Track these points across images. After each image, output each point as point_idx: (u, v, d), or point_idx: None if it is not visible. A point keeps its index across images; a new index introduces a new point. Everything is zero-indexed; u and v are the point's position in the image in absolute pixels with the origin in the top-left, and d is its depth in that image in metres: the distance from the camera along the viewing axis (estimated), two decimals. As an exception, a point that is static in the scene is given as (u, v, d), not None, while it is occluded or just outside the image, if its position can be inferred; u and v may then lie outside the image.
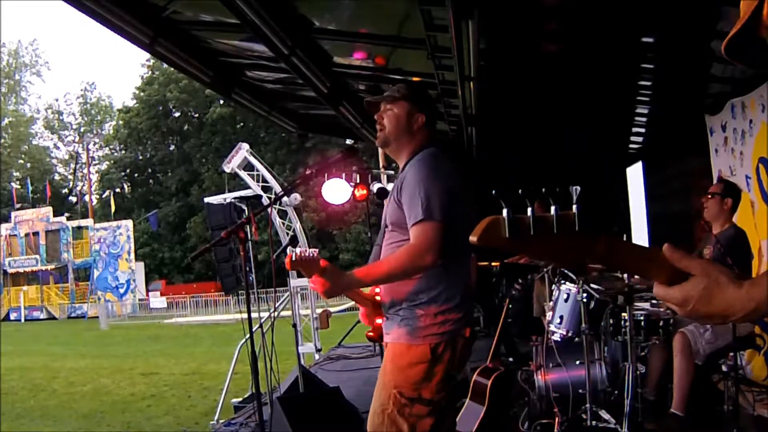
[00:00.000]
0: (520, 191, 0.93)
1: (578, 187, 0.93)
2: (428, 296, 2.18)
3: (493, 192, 0.99)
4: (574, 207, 0.90)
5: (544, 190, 0.91)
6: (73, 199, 48.48)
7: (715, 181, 3.93)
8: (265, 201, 6.54)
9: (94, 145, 49.12)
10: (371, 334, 2.45)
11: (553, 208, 0.89)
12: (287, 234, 7.37)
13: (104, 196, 44.02)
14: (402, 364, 2.19)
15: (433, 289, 2.19)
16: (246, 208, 6.92)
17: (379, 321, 2.38)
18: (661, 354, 3.90)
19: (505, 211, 0.88)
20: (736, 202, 3.82)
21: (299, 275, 7.43)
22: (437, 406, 2.19)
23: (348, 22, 4.46)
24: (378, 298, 2.38)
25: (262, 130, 38.11)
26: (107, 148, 48.41)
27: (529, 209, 0.88)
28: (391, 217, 2.30)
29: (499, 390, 3.86)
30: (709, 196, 3.80)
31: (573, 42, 4.26)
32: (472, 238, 0.90)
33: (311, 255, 2.12)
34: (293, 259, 2.10)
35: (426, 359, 2.16)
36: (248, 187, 7.23)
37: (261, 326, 4.78)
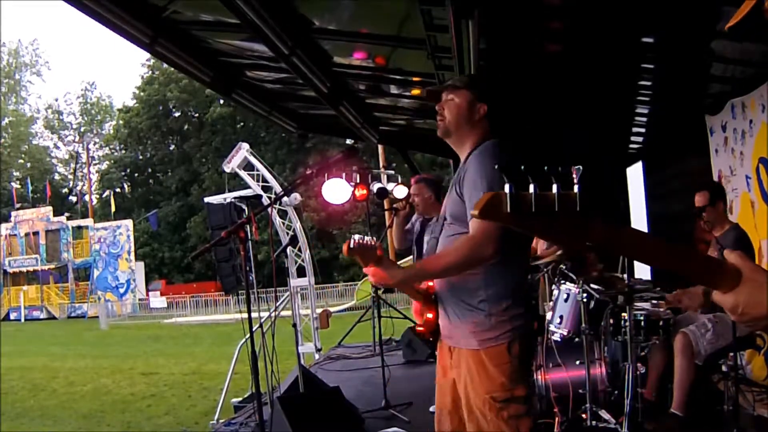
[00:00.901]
0: (522, 167, 0.93)
1: (580, 167, 0.93)
2: (489, 294, 2.12)
3: (496, 166, 0.99)
4: (576, 187, 0.90)
5: (546, 168, 0.90)
6: (73, 198, 48.48)
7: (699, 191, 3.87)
8: (265, 201, 6.53)
9: (94, 144, 49.15)
10: (421, 329, 2.35)
11: (554, 187, 0.89)
12: (287, 234, 7.37)
13: (104, 195, 44.03)
14: (485, 370, 2.12)
15: (493, 286, 2.13)
16: (246, 208, 6.92)
17: (429, 315, 2.31)
18: (661, 354, 3.90)
19: (507, 187, 0.88)
20: (725, 201, 3.82)
21: (299, 274, 7.43)
22: (531, 402, 2.17)
23: (348, 22, 4.47)
24: (431, 290, 2.31)
25: (262, 130, 38.11)
26: (107, 148, 48.43)
27: (532, 186, 0.89)
28: (451, 209, 2.24)
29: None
30: (701, 212, 3.77)
31: (573, 42, 4.26)
32: (474, 212, 0.90)
33: (370, 242, 2.05)
34: (351, 246, 2.03)
35: (507, 359, 2.11)
36: (248, 187, 7.23)
37: (261, 326, 4.78)
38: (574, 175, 0.92)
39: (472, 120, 2.27)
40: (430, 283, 2.30)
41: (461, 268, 2.08)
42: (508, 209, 0.87)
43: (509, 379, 2.10)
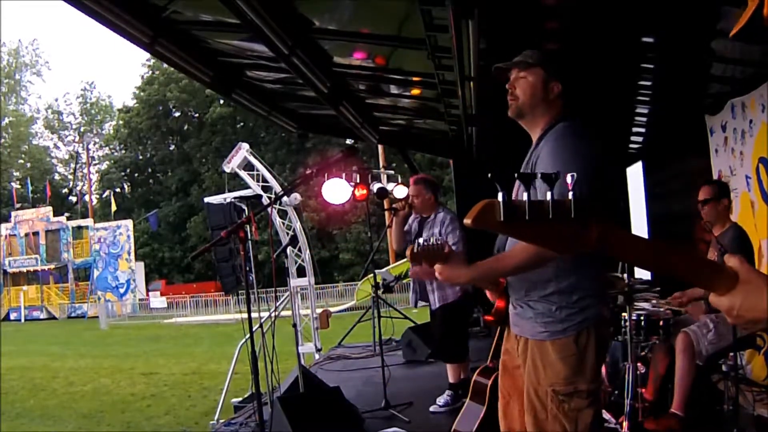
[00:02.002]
0: (516, 174, 0.93)
1: (575, 174, 0.93)
2: (561, 285, 2.07)
3: (489, 174, 0.99)
4: (570, 194, 0.89)
5: (539, 175, 0.90)
6: (73, 199, 48.47)
7: (706, 185, 3.86)
8: (265, 201, 6.53)
9: (94, 144, 49.13)
10: (489, 317, 2.32)
11: (548, 194, 0.89)
12: (287, 234, 7.37)
13: (104, 196, 44.03)
14: (549, 361, 2.08)
15: (565, 277, 2.06)
16: (246, 208, 6.92)
17: (500, 305, 2.28)
18: (662, 354, 3.90)
19: (500, 195, 0.88)
20: (729, 199, 3.81)
21: (299, 274, 7.43)
22: (595, 396, 2.10)
23: (348, 22, 4.46)
24: (501, 280, 2.28)
25: (262, 130, 38.12)
26: (107, 148, 48.43)
27: (525, 194, 0.88)
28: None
29: (500, 390, 3.86)
30: (704, 204, 3.77)
31: (573, 42, 4.26)
32: (467, 221, 0.90)
33: (435, 244, 2.00)
34: (415, 250, 1.98)
35: (573, 351, 2.05)
36: (248, 187, 7.23)
37: (261, 326, 4.78)
38: (569, 182, 0.92)
39: (547, 99, 2.17)
40: None
41: (530, 267, 2.03)
42: (501, 217, 0.87)
43: (573, 372, 2.06)
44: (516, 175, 0.98)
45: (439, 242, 2.01)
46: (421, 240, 2.01)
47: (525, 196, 0.88)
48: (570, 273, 2.07)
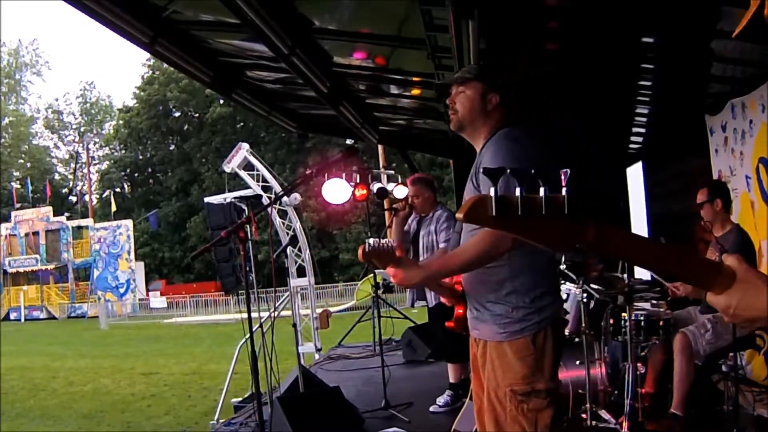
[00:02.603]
0: (508, 170, 0.93)
1: (568, 170, 0.92)
2: (516, 285, 2.09)
3: (481, 170, 0.98)
4: (564, 190, 0.89)
5: (533, 171, 0.90)
6: (73, 198, 48.48)
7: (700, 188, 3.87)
8: (265, 201, 6.53)
9: (94, 144, 49.14)
10: (450, 324, 2.33)
11: (542, 190, 0.88)
12: (287, 234, 7.37)
13: (104, 195, 44.02)
14: (508, 362, 2.10)
15: (519, 277, 2.09)
16: (246, 208, 6.92)
17: (460, 311, 2.29)
18: (661, 354, 3.90)
19: (492, 190, 0.88)
20: (726, 199, 3.81)
21: (299, 274, 7.43)
22: (554, 395, 2.12)
23: (348, 22, 4.47)
24: (457, 287, 2.29)
25: (262, 130, 38.12)
26: (107, 148, 48.43)
27: (518, 189, 0.88)
28: None
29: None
30: (700, 207, 3.78)
31: (573, 42, 4.26)
32: (459, 215, 0.90)
33: (386, 245, 2.01)
34: (366, 250, 2.00)
35: (530, 352, 2.08)
36: (248, 187, 7.23)
37: (261, 326, 4.78)
38: (563, 178, 0.91)
39: (485, 111, 2.22)
40: (456, 280, 2.28)
41: (481, 262, 2.04)
42: (493, 212, 0.87)
43: (532, 371, 2.08)
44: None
45: (389, 244, 2.02)
46: (371, 240, 2.01)
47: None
48: (524, 273, 2.10)
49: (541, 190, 0.88)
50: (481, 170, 0.98)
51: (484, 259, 2.02)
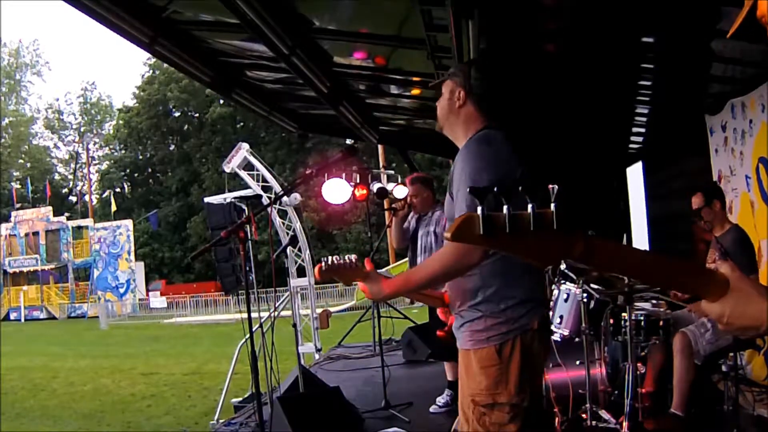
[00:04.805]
0: (495, 189, 0.92)
1: (556, 186, 0.92)
2: (487, 294, 2.02)
3: (468, 189, 0.98)
4: (552, 205, 0.89)
5: (521, 188, 0.90)
6: (73, 198, 48.49)
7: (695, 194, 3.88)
8: (265, 201, 6.53)
9: (94, 144, 49.18)
10: (441, 333, 2.30)
11: (530, 206, 0.88)
12: (287, 234, 7.36)
13: (104, 195, 44.05)
14: (471, 371, 2.04)
15: (491, 285, 2.02)
16: (246, 208, 6.91)
17: (450, 320, 2.26)
18: (661, 354, 3.90)
19: (479, 209, 0.87)
20: (722, 200, 3.82)
21: (299, 274, 7.43)
22: (519, 410, 1.99)
23: (348, 22, 4.47)
24: (446, 297, 2.26)
25: (262, 130, 38.13)
26: (107, 148, 48.47)
27: (506, 207, 0.88)
28: (448, 212, 2.14)
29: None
30: (698, 212, 3.77)
31: (573, 42, 4.26)
32: (446, 235, 0.90)
33: (346, 262, 1.99)
34: (323, 268, 1.97)
35: (494, 362, 1.99)
36: (248, 187, 7.22)
37: (261, 326, 4.78)
38: (551, 194, 0.91)
39: (454, 109, 2.16)
40: (443, 290, 2.25)
41: (447, 276, 2.00)
42: (481, 231, 0.86)
43: (494, 383, 1.99)
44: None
45: (350, 260, 2.00)
46: (328, 258, 2.01)
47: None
48: (496, 281, 2.02)
49: (529, 207, 0.87)
50: (468, 189, 0.97)
51: (451, 273, 1.96)
